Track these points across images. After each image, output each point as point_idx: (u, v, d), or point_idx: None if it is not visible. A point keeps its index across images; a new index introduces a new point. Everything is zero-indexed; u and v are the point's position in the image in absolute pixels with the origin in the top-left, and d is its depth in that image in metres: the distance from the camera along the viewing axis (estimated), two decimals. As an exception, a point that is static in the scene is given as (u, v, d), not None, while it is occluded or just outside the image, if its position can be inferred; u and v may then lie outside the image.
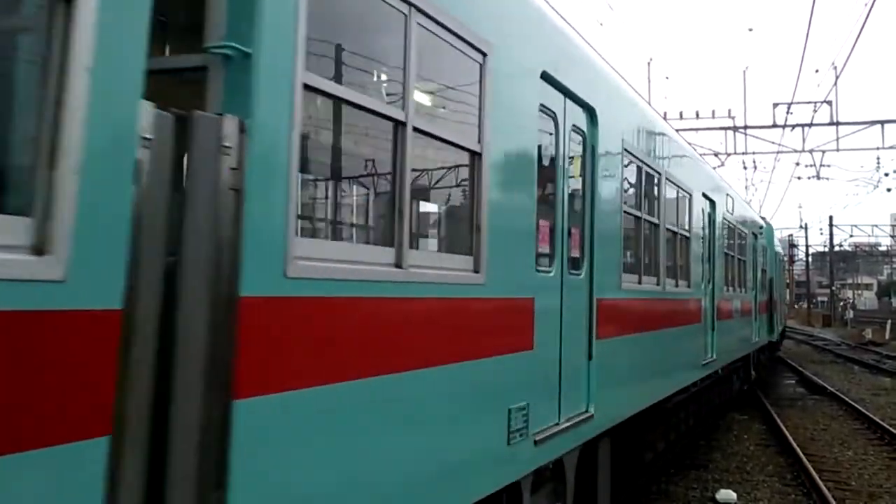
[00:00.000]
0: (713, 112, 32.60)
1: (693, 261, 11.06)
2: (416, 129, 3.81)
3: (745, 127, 32.73)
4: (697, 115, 32.50)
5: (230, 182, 2.70)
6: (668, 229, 9.52)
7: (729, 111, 32.97)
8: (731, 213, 15.23)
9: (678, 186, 10.20)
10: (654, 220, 8.96)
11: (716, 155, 32.32)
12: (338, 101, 3.53)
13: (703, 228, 12.26)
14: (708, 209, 12.76)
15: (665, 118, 21.96)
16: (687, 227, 10.83)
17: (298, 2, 2.99)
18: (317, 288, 3.10)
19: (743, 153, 33.51)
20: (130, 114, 2.34)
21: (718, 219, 13.50)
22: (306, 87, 3.04)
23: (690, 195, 11.00)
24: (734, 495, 10.40)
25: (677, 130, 14.84)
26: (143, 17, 2.38)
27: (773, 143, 32.93)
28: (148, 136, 2.43)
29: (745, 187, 39.60)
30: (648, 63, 52.33)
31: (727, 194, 15.06)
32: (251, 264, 2.73)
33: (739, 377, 17.85)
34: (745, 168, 39.35)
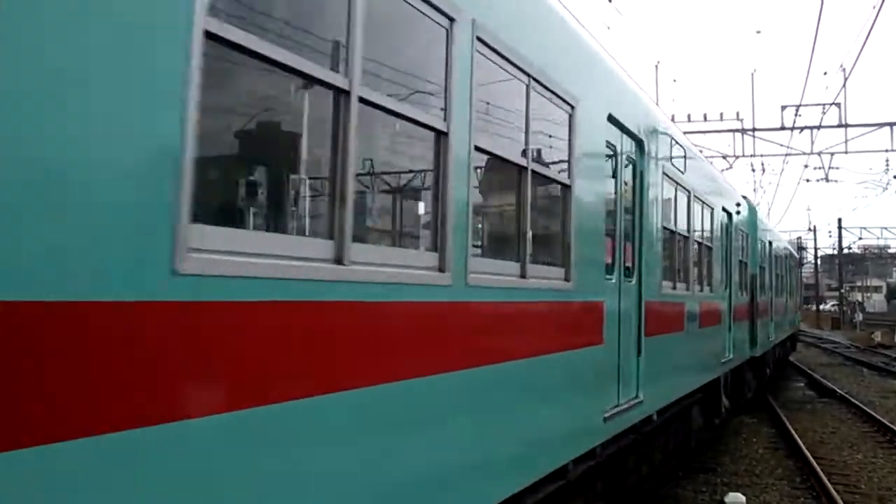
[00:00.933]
0: (721, 114, 32.54)
1: (584, 234, 6.14)
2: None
3: (754, 129, 32.66)
4: (705, 117, 32.44)
5: None
6: (496, 159, 4.97)
7: (737, 113, 32.95)
8: (682, 172, 9.96)
9: (531, 79, 5.17)
10: (435, 125, 4.06)
11: (724, 157, 32.28)
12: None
13: (616, 181, 7.37)
14: (628, 150, 7.75)
15: (673, 121, 21.17)
16: (565, 171, 5.93)
17: None
18: None
19: (751, 156, 33.45)
20: None
21: (652, 173, 8.43)
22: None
23: (573, 108, 5.92)
24: (743, 498, 10.39)
25: (685, 133, 13.69)
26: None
27: (781, 145, 32.87)
28: None
29: (754, 190, 39.52)
30: (656, 66, 52.19)
31: (673, 140, 9.74)
32: None
33: (701, 413, 12.31)
34: (753, 171, 39.29)
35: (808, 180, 38.87)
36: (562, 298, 5.80)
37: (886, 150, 32.22)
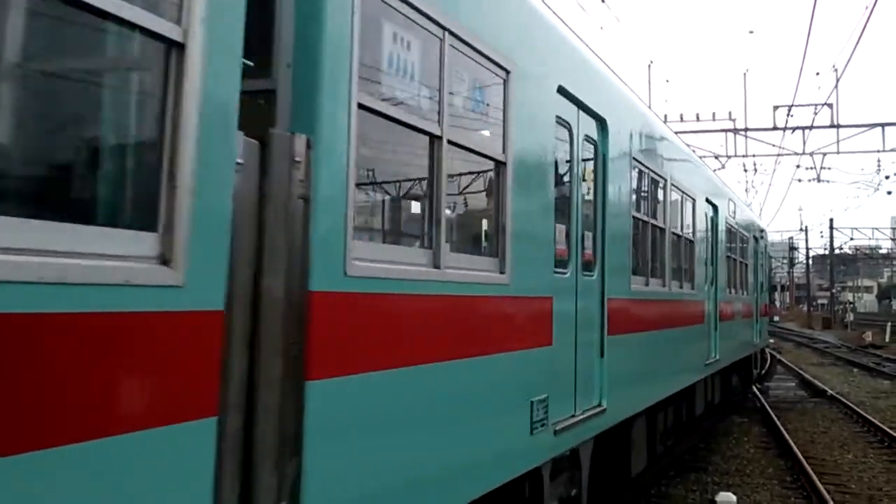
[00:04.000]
0: (714, 114, 32.63)
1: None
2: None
3: (746, 129, 32.74)
4: (698, 117, 32.51)
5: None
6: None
7: (729, 113, 33.00)
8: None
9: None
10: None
11: (716, 157, 32.33)
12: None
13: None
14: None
15: (666, 121, 20.24)
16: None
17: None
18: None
19: (743, 156, 33.53)
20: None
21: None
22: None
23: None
24: (734, 498, 10.37)
25: (677, 133, 14.22)
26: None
27: (773, 145, 32.96)
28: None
29: (746, 190, 39.63)
30: (649, 66, 52.17)
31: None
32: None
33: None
34: (745, 171, 39.36)
35: (799, 180, 39.04)
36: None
37: (878, 151, 32.39)
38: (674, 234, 10.18)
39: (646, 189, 8.94)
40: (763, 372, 23.05)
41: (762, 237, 21.62)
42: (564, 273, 6.05)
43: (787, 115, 31.18)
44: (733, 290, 15.43)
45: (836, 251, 77.00)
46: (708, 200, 12.78)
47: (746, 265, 17.67)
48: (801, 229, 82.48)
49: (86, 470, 2.21)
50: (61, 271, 2.10)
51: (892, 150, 31.76)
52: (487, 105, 4.94)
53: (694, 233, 11.60)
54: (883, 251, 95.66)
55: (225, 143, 2.71)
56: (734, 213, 15.80)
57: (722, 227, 14.02)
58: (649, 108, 11.52)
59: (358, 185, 3.63)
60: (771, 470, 12.66)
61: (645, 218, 8.78)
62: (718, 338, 13.01)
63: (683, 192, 10.84)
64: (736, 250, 16.04)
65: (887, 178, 44.58)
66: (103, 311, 2.24)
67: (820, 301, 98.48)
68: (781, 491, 11.34)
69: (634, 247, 8.31)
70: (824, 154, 34.03)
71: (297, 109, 3.20)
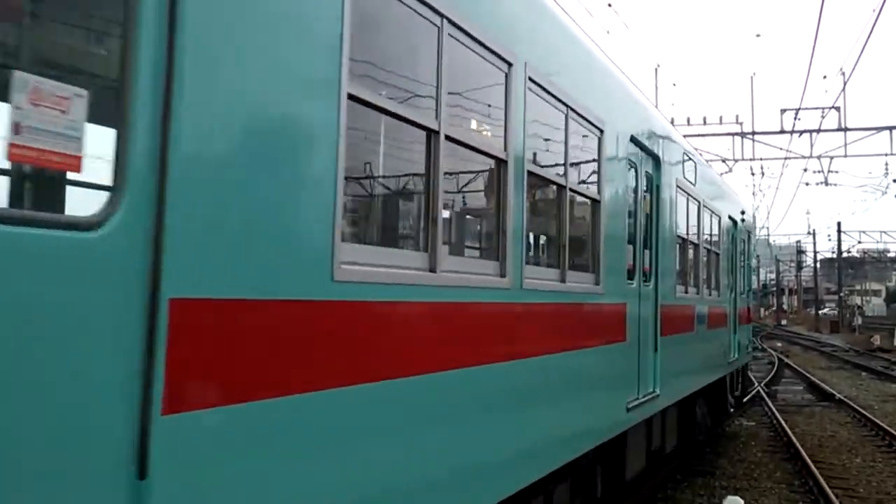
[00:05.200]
0: (721, 118, 32.60)
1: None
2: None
3: (753, 133, 32.70)
4: (705, 121, 32.50)
5: None
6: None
7: (736, 117, 32.98)
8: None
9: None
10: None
11: (723, 161, 32.31)
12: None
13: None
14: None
15: (673, 124, 19.68)
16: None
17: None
18: None
19: (751, 159, 33.51)
20: None
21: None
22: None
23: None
24: (741, 502, 10.37)
25: (685, 136, 13.23)
26: None
27: (780, 149, 32.91)
28: None
29: (753, 193, 39.58)
30: (656, 69, 52.22)
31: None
32: None
33: None
34: (752, 174, 39.41)
35: (807, 184, 38.94)
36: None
37: (886, 154, 32.33)
38: (545, 180, 5.79)
39: (414, 39, 4.10)
40: (745, 398, 18.77)
41: (744, 221, 16.34)
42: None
43: (795, 118, 31.16)
44: (693, 289, 11.18)
45: (844, 255, 76.74)
46: (639, 144, 8.15)
47: (717, 255, 13.18)
48: (808, 233, 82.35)
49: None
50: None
51: (899, 154, 31.65)
52: None
53: (604, 191, 6.92)
54: (891, 255, 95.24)
55: None
56: (695, 178, 11.14)
57: (670, 193, 9.58)
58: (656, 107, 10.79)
59: None
60: (779, 474, 12.64)
61: (419, 119, 4.01)
62: (660, 362, 8.67)
63: (570, 107, 5.98)
64: (699, 233, 11.58)
65: (895, 181, 44.42)
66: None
67: (827, 304, 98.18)
68: (789, 495, 11.32)
69: (403, 189, 4.42)
70: (832, 157, 34.01)
71: None
